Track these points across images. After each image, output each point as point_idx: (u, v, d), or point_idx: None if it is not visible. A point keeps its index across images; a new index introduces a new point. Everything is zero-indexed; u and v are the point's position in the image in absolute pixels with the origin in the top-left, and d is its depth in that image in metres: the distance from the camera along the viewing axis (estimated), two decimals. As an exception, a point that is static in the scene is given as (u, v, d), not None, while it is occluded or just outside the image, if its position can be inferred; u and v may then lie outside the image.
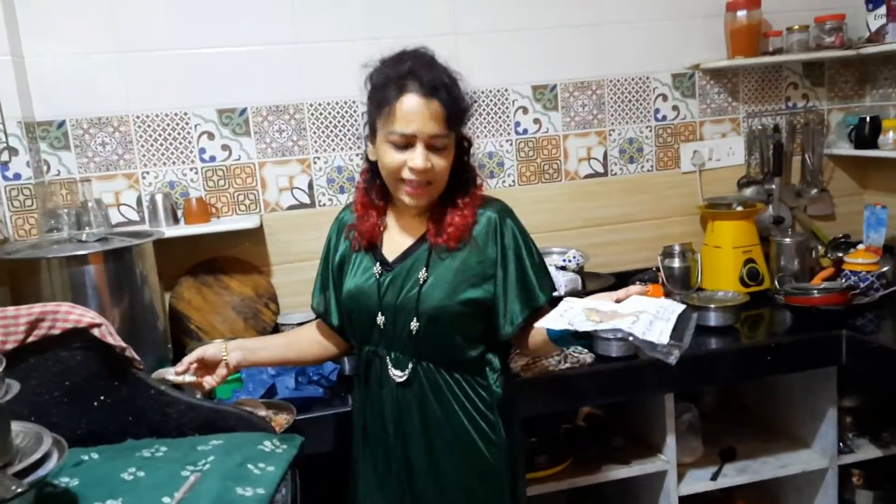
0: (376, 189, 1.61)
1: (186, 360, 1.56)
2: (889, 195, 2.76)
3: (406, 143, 1.45)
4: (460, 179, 1.56)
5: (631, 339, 1.22)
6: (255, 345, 1.69)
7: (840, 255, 2.59)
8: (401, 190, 1.51)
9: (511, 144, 2.60)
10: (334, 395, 2.01)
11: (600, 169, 2.69)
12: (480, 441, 1.57)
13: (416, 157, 1.45)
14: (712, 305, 2.30)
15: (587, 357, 2.07)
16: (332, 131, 2.47)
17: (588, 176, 2.68)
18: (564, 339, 1.37)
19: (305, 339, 1.76)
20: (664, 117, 2.71)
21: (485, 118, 2.57)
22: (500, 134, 2.59)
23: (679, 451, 2.22)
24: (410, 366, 1.56)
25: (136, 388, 1.34)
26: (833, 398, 2.27)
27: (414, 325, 1.53)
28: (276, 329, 2.43)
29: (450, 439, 1.57)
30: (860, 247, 2.54)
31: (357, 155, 2.50)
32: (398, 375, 1.56)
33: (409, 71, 1.44)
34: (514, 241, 1.55)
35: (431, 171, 1.47)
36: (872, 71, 2.83)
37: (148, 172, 2.37)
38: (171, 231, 2.26)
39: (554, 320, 1.31)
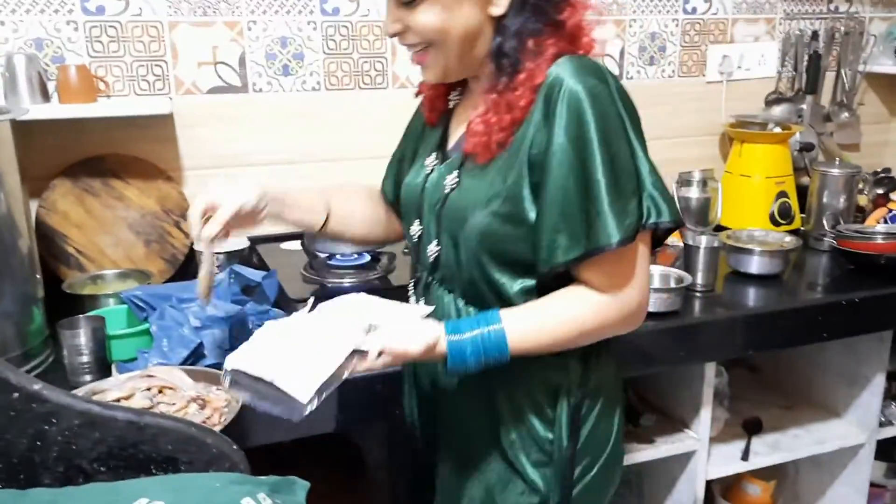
0: None
1: (221, 217, 1.02)
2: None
3: None
4: (500, 51, 0.98)
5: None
6: (292, 201, 1.16)
7: (880, 191, 2.20)
8: None
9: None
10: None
11: (616, 70, 2.13)
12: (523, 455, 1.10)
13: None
14: (757, 248, 1.84)
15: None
16: (277, -14, 1.78)
17: (600, 77, 2.13)
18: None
19: (359, 205, 1.28)
20: (694, 9, 2.17)
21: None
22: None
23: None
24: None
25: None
26: (884, 363, 1.89)
27: (433, 248, 1.09)
28: (191, 257, 1.78)
29: (482, 434, 1.11)
30: (912, 183, 2.15)
31: (309, 23, 1.83)
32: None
33: None
34: (574, 132, 0.93)
35: (409, 32, 1.00)
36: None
37: (1, 22, 1.61)
38: (38, 111, 1.54)
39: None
